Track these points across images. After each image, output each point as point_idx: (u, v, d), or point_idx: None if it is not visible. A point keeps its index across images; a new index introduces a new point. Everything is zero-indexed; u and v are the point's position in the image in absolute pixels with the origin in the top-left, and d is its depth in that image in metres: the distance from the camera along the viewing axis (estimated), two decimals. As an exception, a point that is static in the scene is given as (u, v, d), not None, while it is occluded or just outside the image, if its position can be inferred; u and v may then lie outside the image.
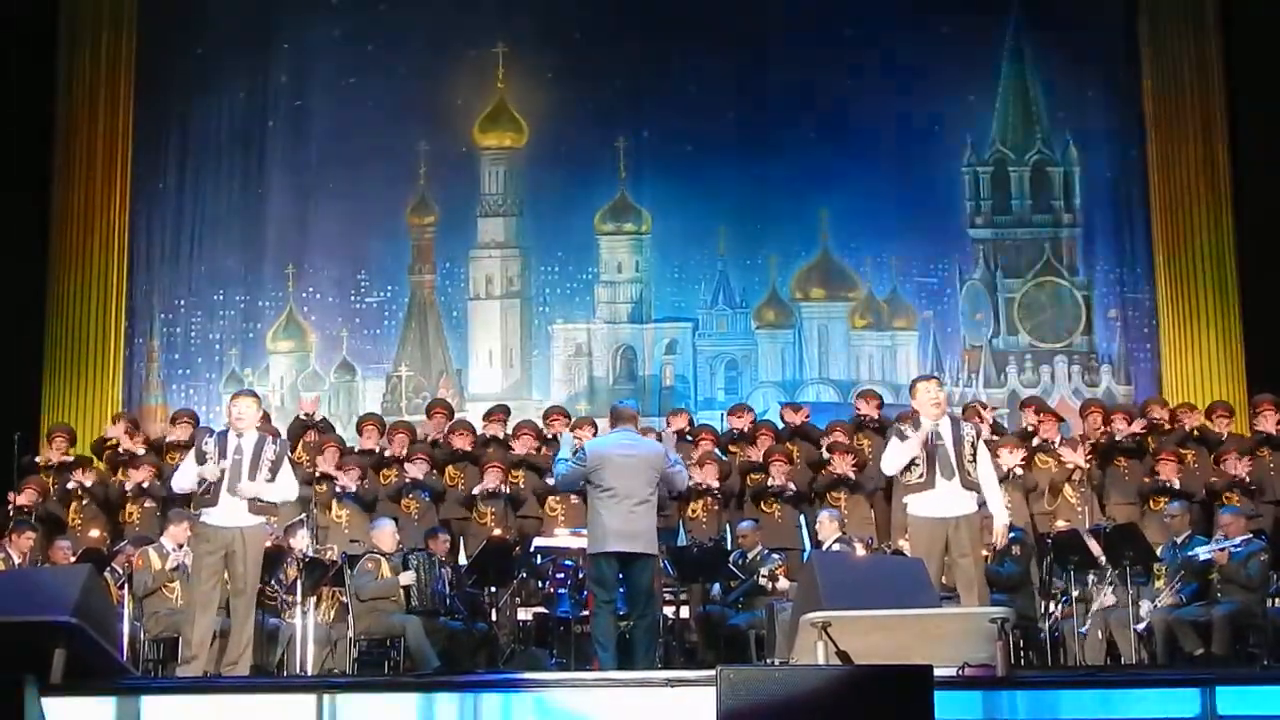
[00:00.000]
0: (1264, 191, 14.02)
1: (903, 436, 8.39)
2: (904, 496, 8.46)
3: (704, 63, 14.99)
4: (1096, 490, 11.19)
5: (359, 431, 12.26)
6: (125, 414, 13.16)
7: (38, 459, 11.90)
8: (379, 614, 9.97)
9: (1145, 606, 9.90)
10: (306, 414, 12.34)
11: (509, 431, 12.23)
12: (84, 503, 11.39)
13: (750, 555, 10.68)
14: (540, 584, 10.65)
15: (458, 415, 12.93)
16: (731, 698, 5.39)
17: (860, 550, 10.32)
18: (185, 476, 8.59)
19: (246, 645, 8.44)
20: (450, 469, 11.73)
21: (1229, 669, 8.37)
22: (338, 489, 11.19)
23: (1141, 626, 9.85)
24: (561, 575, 10.23)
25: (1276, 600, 10.03)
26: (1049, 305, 15.23)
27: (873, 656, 6.23)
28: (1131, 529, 10.20)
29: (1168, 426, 11.80)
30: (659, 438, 9.43)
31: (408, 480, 11.37)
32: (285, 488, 8.61)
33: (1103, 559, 9.97)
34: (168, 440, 11.98)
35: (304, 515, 10.39)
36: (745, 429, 12.17)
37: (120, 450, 11.81)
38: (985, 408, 12.16)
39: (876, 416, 12.01)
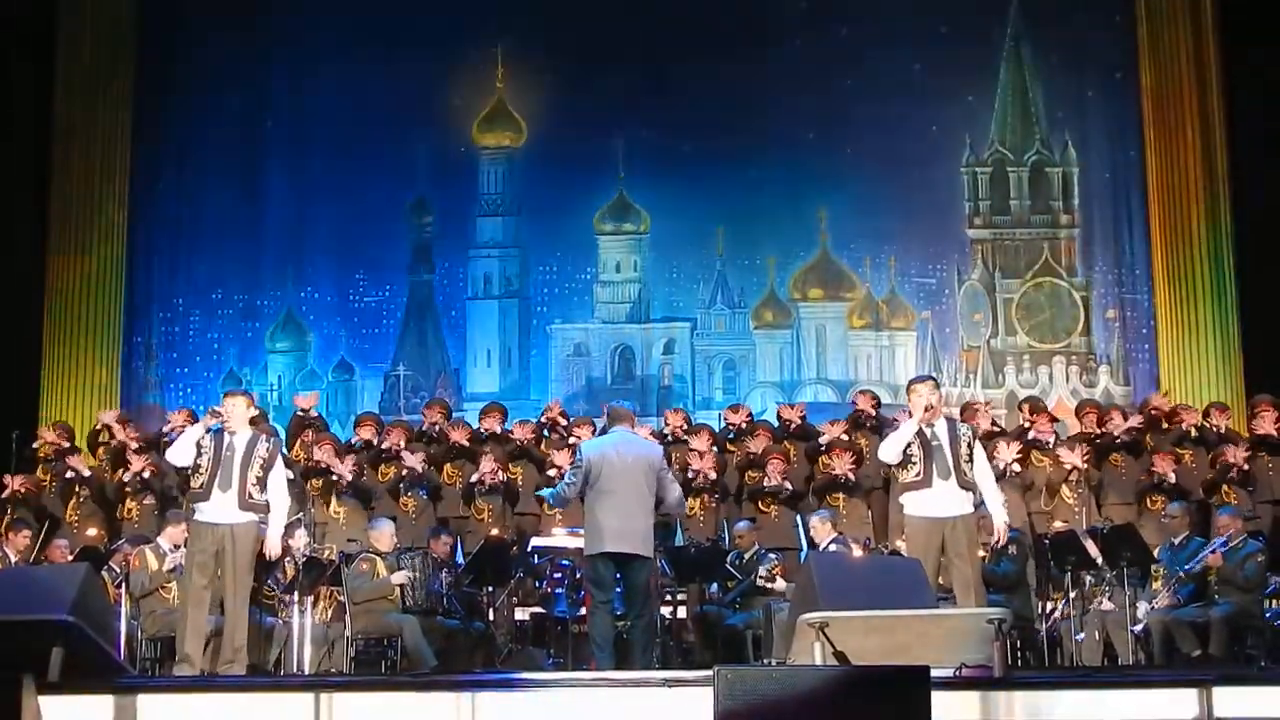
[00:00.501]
0: (1262, 192, 14.02)
1: (897, 427, 8.43)
2: (901, 495, 8.47)
3: (703, 63, 14.98)
4: (1094, 491, 11.20)
5: (356, 428, 12.24)
6: (117, 409, 13.16)
7: (35, 445, 11.88)
8: (376, 613, 9.97)
9: (1142, 608, 9.90)
10: (303, 410, 12.33)
11: (508, 427, 12.23)
12: (81, 499, 11.39)
13: (747, 555, 10.68)
14: (537, 584, 10.66)
15: (455, 415, 12.91)
16: (729, 698, 5.39)
17: (857, 551, 10.32)
18: (182, 449, 8.59)
19: (242, 644, 8.44)
20: (448, 466, 11.73)
21: (1226, 670, 8.36)
22: (334, 477, 11.15)
23: (1139, 628, 9.85)
24: (559, 575, 10.23)
25: (1274, 601, 10.04)
26: (1047, 306, 15.23)
27: (870, 657, 6.23)
28: (1129, 530, 10.20)
29: (1166, 425, 11.79)
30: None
31: (404, 472, 11.35)
32: (276, 493, 8.59)
33: (1100, 560, 9.96)
34: (165, 429, 11.95)
35: (301, 513, 10.38)
36: (743, 424, 12.17)
37: (114, 441, 11.79)
38: (985, 405, 12.14)
39: (874, 415, 12.00)
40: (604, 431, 9.32)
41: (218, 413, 8.60)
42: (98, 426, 12.40)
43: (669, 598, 10.12)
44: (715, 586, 10.72)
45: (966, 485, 8.26)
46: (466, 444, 11.77)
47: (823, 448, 11.57)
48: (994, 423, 11.81)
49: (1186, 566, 9.77)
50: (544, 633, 10.42)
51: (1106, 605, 9.98)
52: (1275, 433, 11.24)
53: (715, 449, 11.79)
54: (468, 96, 15.51)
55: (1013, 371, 15.09)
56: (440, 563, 10.36)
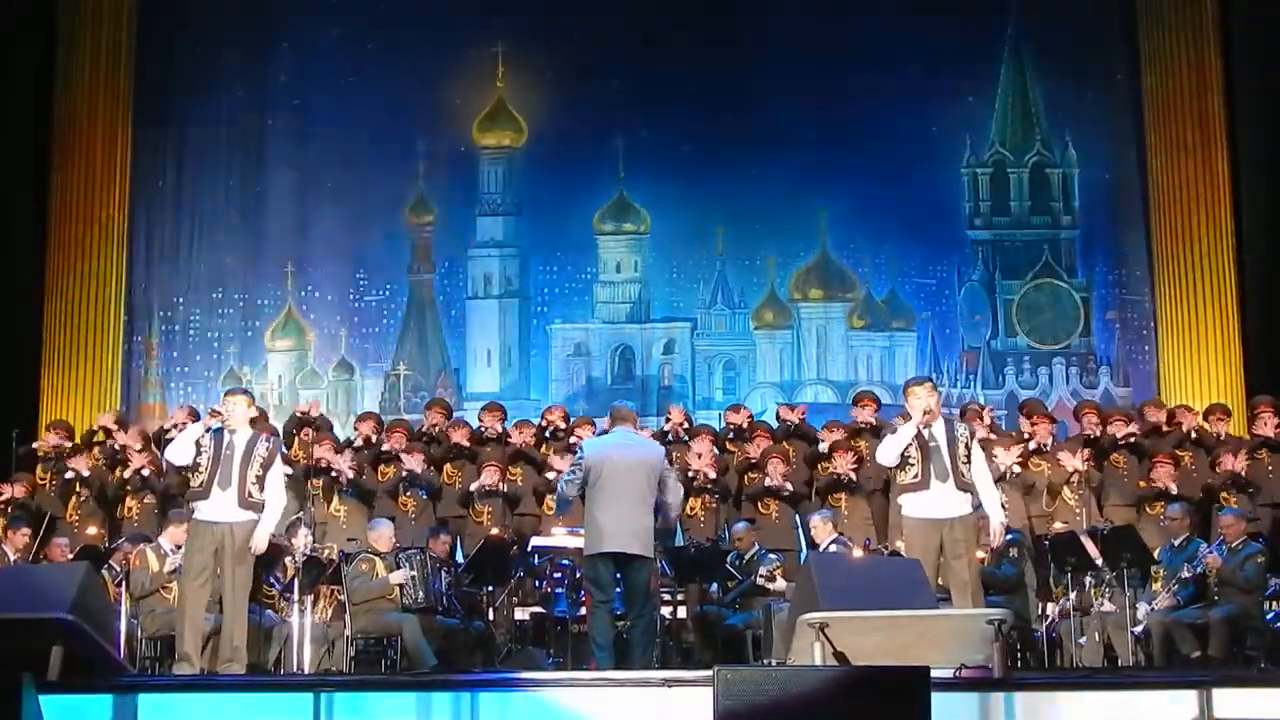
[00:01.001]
0: (1262, 194, 14.03)
1: (895, 430, 8.43)
2: (899, 497, 8.47)
3: (702, 62, 14.99)
4: (1095, 492, 11.19)
5: (356, 428, 12.25)
6: (115, 411, 13.14)
7: (35, 445, 11.89)
8: (376, 613, 9.96)
9: (1142, 609, 9.90)
10: (303, 413, 12.34)
11: (507, 427, 12.23)
12: (82, 499, 11.39)
13: (746, 556, 10.68)
14: (537, 583, 10.65)
15: (456, 414, 12.91)
16: (729, 698, 5.39)
17: (857, 551, 10.32)
18: (181, 448, 8.60)
19: (241, 643, 8.44)
20: (448, 467, 11.72)
21: (1226, 671, 8.36)
22: (334, 474, 11.15)
23: (1139, 629, 9.85)
24: (559, 575, 10.23)
25: (1274, 603, 10.03)
26: (1047, 307, 15.23)
27: (870, 657, 6.23)
28: (1129, 531, 10.20)
29: (1165, 429, 11.79)
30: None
31: (404, 474, 11.36)
32: (274, 492, 8.60)
33: (1099, 561, 9.95)
34: (167, 426, 11.94)
35: (301, 512, 10.38)
36: (743, 425, 12.16)
37: (117, 446, 11.80)
38: (985, 410, 12.12)
39: (874, 423, 11.97)
40: (605, 431, 9.31)
41: (218, 413, 8.62)
42: (95, 428, 12.38)
43: (669, 598, 10.11)
44: (715, 587, 10.71)
45: (964, 487, 8.26)
46: (467, 444, 11.77)
47: (822, 453, 11.55)
48: (992, 427, 11.79)
49: (1186, 566, 9.76)
50: (544, 632, 10.41)
51: (1107, 606, 9.97)
52: (1275, 435, 11.24)
53: (715, 450, 11.77)
54: (468, 96, 15.51)
55: (1013, 372, 15.09)
56: (439, 562, 10.36)
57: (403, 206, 15.31)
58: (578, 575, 10.11)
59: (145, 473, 11.29)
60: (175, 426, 11.35)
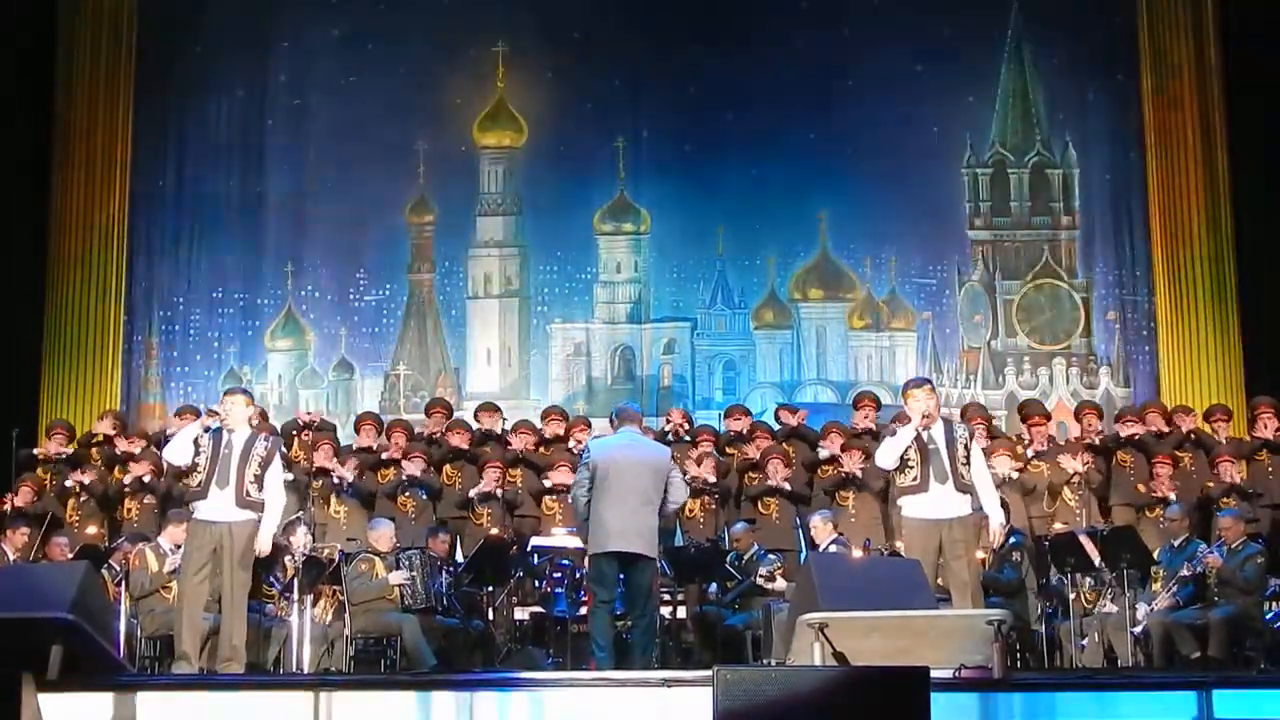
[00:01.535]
0: (1262, 194, 14.02)
1: (893, 433, 8.45)
2: (899, 499, 8.48)
3: (703, 63, 14.99)
4: (1097, 493, 11.19)
5: (357, 430, 12.25)
6: (112, 411, 13.13)
7: (36, 451, 11.89)
8: (376, 613, 9.97)
9: (1142, 610, 9.89)
10: (304, 423, 12.36)
11: (506, 428, 12.24)
12: (82, 499, 11.39)
13: (746, 556, 10.68)
14: (537, 583, 10.65)
15: (456, 414, 12.91)
16: (728, 698, 5.39)
17: (856, 552, 10.32)
18: (179, 447, 8.60)
19: (240, 642, 8.44)
20: (448, 468, 11.73)
21: (1226, 672, 8.37)
22: (335, 480, 11.17)
23: (1138, 629, 9.84)
24: (558, 575, 10.23)
25: (1274, 604, 10.03)
26: (1048, 307, 15.23)
27: (869, 658, 6.23)
28: (1128, 532, 10.20)
29: (1166, 430, 11.79)
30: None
31: (405, 478, 11.37)
32: (273, 492, 8.59)
33: (1099, 562, 9.95)
34: (168, 432, 11.94)
35: (301, 512, 10.38)
36: (743, 431, 12.16)
37: (118, 452, 11.81)
38: (982, 420, 12.08)
39: (873, 428, 11.95)
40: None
41: (215, 412, 8.63)
42: (93, 434, 12.37)
43: (668, 598, 10.11)
44: (714, 587, 10.71)
45: (964, 488, 8.26)
46: (466, 448, 11.77)
47: (821, 459, 11.55)
48: (990, 431, 11.80)
49: (1186, 566, 9.76)
50: (543, 632, 10.42)
51: (1108, 607, 9.97)
52: (1275, 437, 11.24)
53: (715, 452, 11.75)
54: (468, 96, 15.50)
55: (1013, 373, 15.08)
56: (439, 562, 10.36)
57: (403, 206, 15.30)
58: (577, 575, 10.12)
59: (146, 479, 11.28)
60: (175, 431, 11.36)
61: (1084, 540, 9.99)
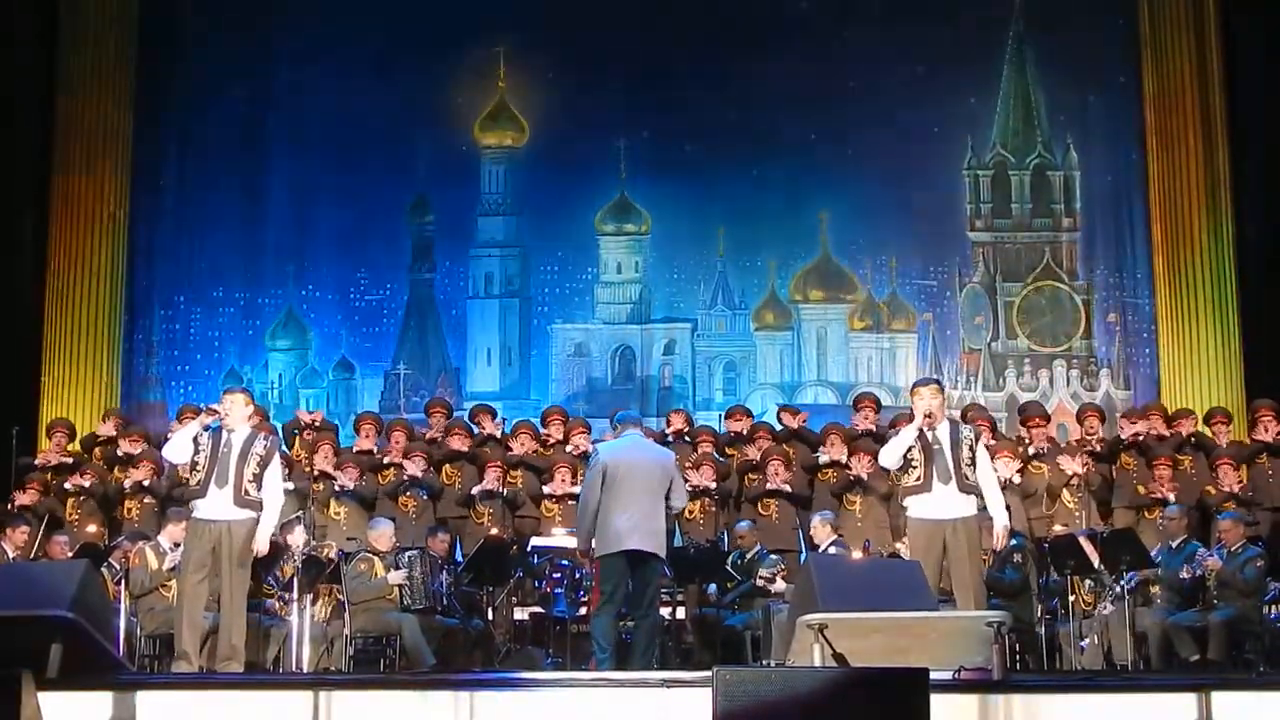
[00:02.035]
0: (1263, 197, 14.02)
1: (897, 432, 8.46)
2: (903, 499, 8.48)
3: (705, 64, 14.99)
4: (1096, 495, 11.19)
5: (357, 430, 12.26)
6: (115, 411, 13.14)
7: (35, 461, 11.89)
8: (375, 612, 9.97)
9: (1142, 612, 9.89)
10: (305, 424, 12.37)
11: (506, 431, 12.24)
12: (82, 499, 11.39)
13: (748, 555, 10.69)
14: (537, 583, 10.66)
15: (456, 414, 12.91)
16: (728, 699, 5.39)
17: (856, 553, 10.32)
18: (178, 446, 8.61)
19: (239, 641, 8.44)
20: (447, 468, 11.73)
21: (1225, 675, 8.37)
22: (336, 487, 11.18)
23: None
24: (558, 575, 10.23)
25: (1273, 607, 10.03)
26: (1048, 309, 15.23)
27: (869, 659, 6.23)
28: (1128, 534, 10.19)
29: (1166, 433, 11.79)
30: None
31: (405, 478, 11.37)
32: (271, 490, 8.60)
33: (1098, 563, 9.94)
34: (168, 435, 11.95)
35: (300, 512, 10.38)
36: (743, 431, 12.16)
37: (120, 454, 11.81)
38: (984, 424, 12.08)
39: (873, 428, 11.96)
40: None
41: (215, 410, 8.62)
42: (95, 435, 12.37)
43: (668, 598, 10.10)
44: (713, 588, 10.71)
45: (967, 489, 8.24)
46: (465, 450, 11.77)
47: (821, 463, 11.55)
48: (993, 430, 11.80)
49: (1186, 568, 9.76)
50: (543, 632, 10.42)
51: (1108, 609, 9.96)
52: (1275, 440, 11.24)
53: (715, 454, 11.75)
54: (469, 96, 15.51)
55: (1013, 375, 15.09)
56: (439, 561, 10.36)
57: (404, 206, 15.31)
58: (577, 575, 10.13)
59: (146, 482, 11.28)
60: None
61: (1084, 542, 9.98)
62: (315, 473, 11.36)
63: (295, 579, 9.55)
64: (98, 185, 14.60)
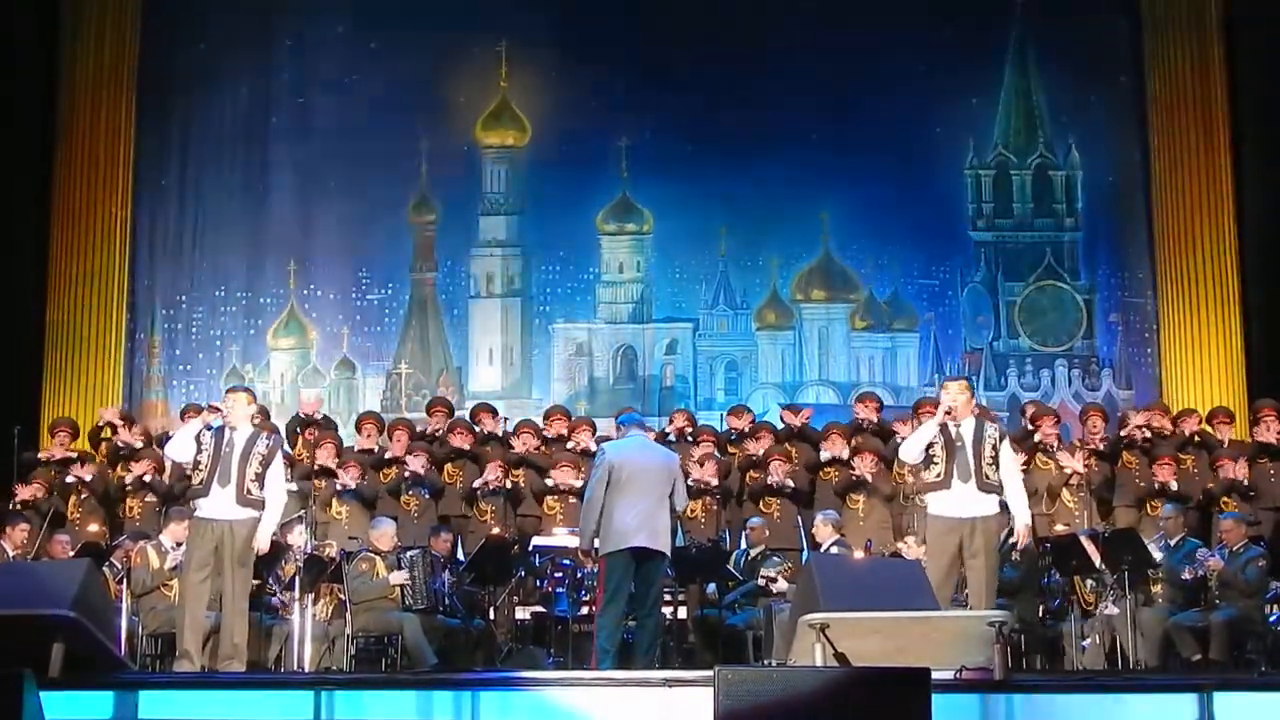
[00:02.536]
0: (1266, 197, 14.02)
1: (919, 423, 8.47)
2: (924, 495, 8.46)
3: (707, 64, 14.98)
4: (1096, 494, 11.19)
5: (358, 429, 12.25)
6: (119, 406, 13.15)
7: (39, 455, 11.90)
8: (377, 611, 9.97)
9: (1144, 612, 9.89)
10: (307, 414, 12.35)
11: (508, 429, 12.24)
12: (83, 497, 11.40)
13: (753, 553, 10.69)
14: (538, 583, 10.66)
15: (457, 413, 12.91)
16: (729, 698, 5.39)
17: (858, 553, 10.32)
18: (181, 444, 8.61)
19: (241, 640, 8.45)
20: (449, 467, 11.73)
21: (1227, 675, 8.36)
22: (338, 486, 11.18)
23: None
24: (560, 574, 10.23)
25: (1275, 607, 10.03)
26: (1050, 309, 15.23)
27: (870, 658, 6.23)
28: (1130, 534, 10.19)
29: (1169, 431, 11.79)
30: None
31: (407, 474, 11.36)
32: (273, 490, 8.59)
33: (1100, 563, 9.93)
34: (170, 433, 11.95)
35: (302, 511, 10.38)
36: (745, 429, 12.16)
37: (120, 444, 11.81)
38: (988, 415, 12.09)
39: (875, 420, 11.98)
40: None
41: (218, 408, 8.63)
42: (100, 424, 12.39)
43: (670, 598, 10.10)
44: (713, 587, 10.70)
45: (988, 488, 8.20)
46: (468, 448, 11.77)
47: (823, 461, 11.55)
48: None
49: (1188, 569, 9.76)
50: (544, 632, 10.41)
51: (1110, 609, 9.95)
52: (1277, 439, 11.23)
53: (717, 452, 11.75)
54: (471, 95, 15.50)
55: (1015, 374, 15.08)
56: (441, 561, 10.36)
57: (405, 205, 15.30)
58: (579, 575, 10.13)
59: (147, 478, 11.29)
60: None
61: (1085, 542, 9.98)
62: (316, 467, 11.34)
63: (297, 578, 9.55)
64: (99, 184, 14.59)
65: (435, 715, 6.37)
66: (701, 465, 11.17)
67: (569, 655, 9.80)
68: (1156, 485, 10.87)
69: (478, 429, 12.15)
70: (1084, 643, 9.94)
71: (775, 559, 10.59)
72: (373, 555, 10.15)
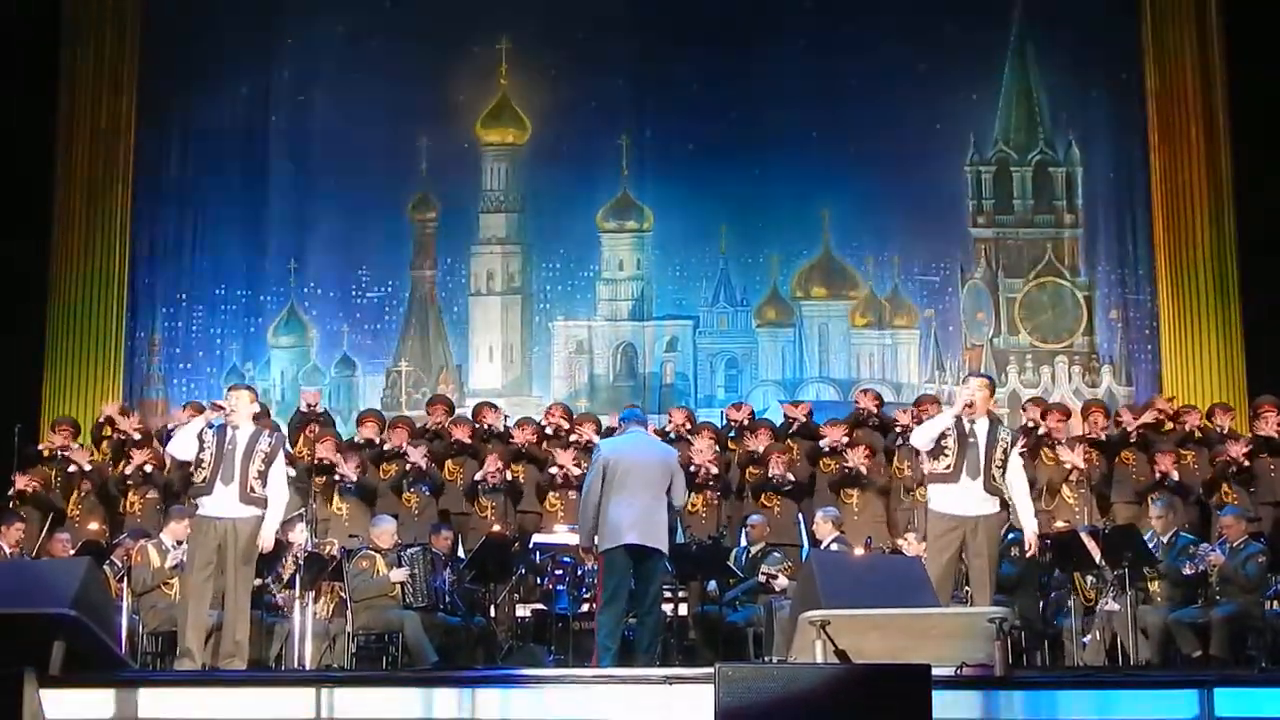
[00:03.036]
0: (1265, 193, 14.00)
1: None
2: (928, 485, 8.45)
3: (706, 61, 14.99)
4: (1096, 490, 11.19)
5: (359, 426, 12.25)
6: (119, 401, 13.16)
7: (40, 446, 11.91)
8: (377, 609, 9.97)
9: (1144, 609, 9.88)
10: (309, 405, 12.34)
11: (509, 425, 12.25)
12: (83, 493, 11.40)
13: (754, 550, 10.69)
14: (539, 580, 10.66)
15: (457, 411, 12.91)
16: (730, 695, 5.39)
17: (858, 550, 10.32)
18: (183, 442, 8.61)
19: (242, 638, 8.45)
20: (450, 463, 11.73)
21: (1227, 671, 8.37)
22: (337, 476, 11.16)
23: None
24: (560, 572, 10.24)
25: (1275, 603, 10.02)
26: (1050, 305, 15.23)
27: (871, 655, 6.23)
28: (1130, 530, 10.18)
29: (1170, 426, 11.78)
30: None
31: (408, 467, 11.35)
32: (276, 488, 8.59)
33: (1100, 560, 9.93)
34: (170, 427, 11.94)
35: (303, 509, 10.38)
36: (744, 421, 12.17)
37: (119, 432, 11.80)
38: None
39: (876, 412, 11.99)
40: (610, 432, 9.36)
41: (221, 406, 8.62)
42: (100, 419, 12.40)
43: (670, 595, 10.10)
44: (713, 584, 10.70)
45: (993, 489, 8.19)
46: (469, 441, 11.77)
47: (824, 450, 11.55)
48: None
49: (1189, 564, 9.76)
50: (545, 629, 10.41)
51: (1111, 605, 9.95)
52: (1277, 434, 11.23)
53: (717, 447, 11.76)
54: (471, 93, 15.50)
55: (1015, 371, 15.09)
56: (441, 558, 10.36)
57: (405, 203, 15.30)
58: (579, 572, 10.13)
59: (148, 469, 11.29)
60: (178, 425, 11.34)
61: (1085, 538, 9.97)
62: (316, 461, 11.32)
63: (297, 576, 9.55)
64: (100, 182, 14.60)
65: (436, 713, 6.37)
66: (702, 454, 11.16)
67: (570, 653, 9.80)
68: (1158, 476, 10.87)
69: (479, 425, 12.15)
70: (1084, 639, 9.93)
71: (776, 554, 10.59)
72: (373, 553, 10.15)
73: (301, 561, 9.53)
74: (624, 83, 15.15)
